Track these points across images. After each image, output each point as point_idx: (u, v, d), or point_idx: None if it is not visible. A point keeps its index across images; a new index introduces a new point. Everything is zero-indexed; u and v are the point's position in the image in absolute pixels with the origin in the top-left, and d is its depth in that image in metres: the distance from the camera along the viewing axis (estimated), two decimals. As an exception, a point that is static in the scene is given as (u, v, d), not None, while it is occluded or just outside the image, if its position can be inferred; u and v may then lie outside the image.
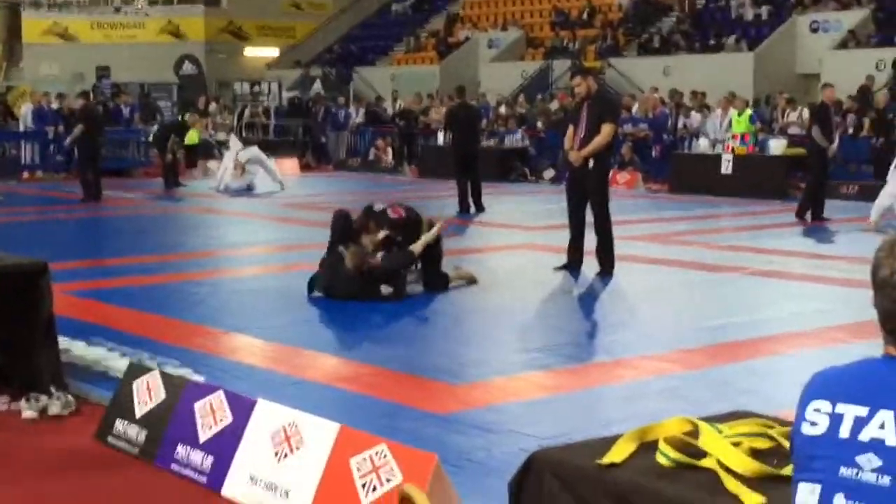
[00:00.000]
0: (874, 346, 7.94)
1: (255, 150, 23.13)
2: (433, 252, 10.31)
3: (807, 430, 2.27)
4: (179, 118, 26.49)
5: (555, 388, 6.93)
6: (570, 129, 11.51)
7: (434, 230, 10.24)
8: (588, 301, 10.47)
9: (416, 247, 10.02)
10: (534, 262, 12.43)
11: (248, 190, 22.08)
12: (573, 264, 11.45)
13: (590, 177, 11.21)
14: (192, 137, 25.66)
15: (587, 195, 11.32)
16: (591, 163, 11.13)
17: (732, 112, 21.76)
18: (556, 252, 11.97)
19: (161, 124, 27.32)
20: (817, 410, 2.27)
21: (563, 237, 11.80)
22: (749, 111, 21.68)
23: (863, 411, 2.23)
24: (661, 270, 11.78)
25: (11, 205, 19.18)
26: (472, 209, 17.87)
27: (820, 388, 2.31)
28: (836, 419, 2.24)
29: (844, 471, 2.20)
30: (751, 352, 8.00)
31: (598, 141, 11.05)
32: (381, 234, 10.06)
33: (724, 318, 9.14)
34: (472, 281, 10.61)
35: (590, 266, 11.37)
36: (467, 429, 5.94)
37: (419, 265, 10.33)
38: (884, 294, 2.29)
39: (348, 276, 9.61)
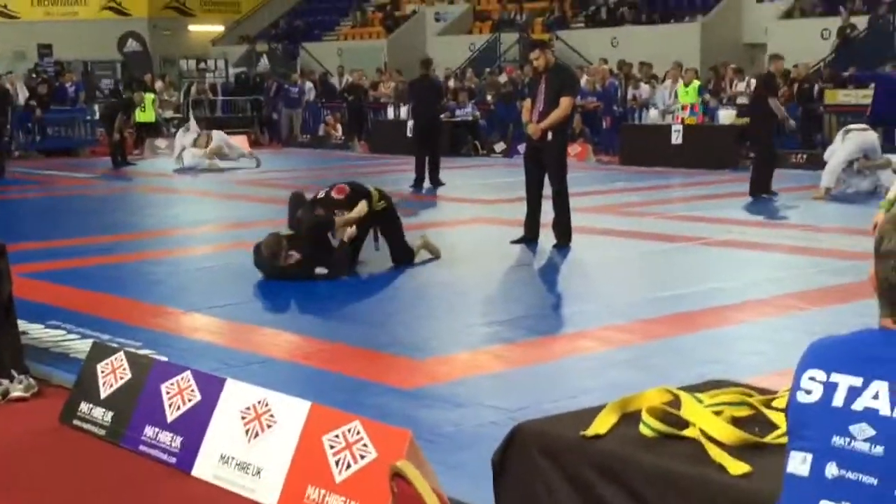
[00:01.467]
0: (828, 313, 8.04)
1: (220, 135, 22.83)
2: (390, 227, 10.27)
3: (801, 398, 2.28)
4: (125, 96, 26.14)
5: (520, 361, 6.93)
6: (528, 101, 11.52)
7: (356, 210, 9.92)
8: (547, 274, 10.51)
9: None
10: (490, 236, 12.44)
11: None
12: (530, 237, 11.48)
13: (548, 149, 11.23)
14: (147, 115, 25.38)
15: (545, 168, 11.33)
16: (549, 135, 11.15)
17: (679, 83, 21.91)
18: (512, 225, 11.98)
19: (107, 102, 26.99)
20: (812, 379, 2.28)
21: (518, 210, 11.83)
22: (697, 83, 21.82)
23: (857, 381, 2.23)
24: (616, 242, 11.84)
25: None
26: (427, 184, 17.83)
27: (815, 357, 2.32)
28: (829, 388, 2.25)
29: (837, 440, 2.21)
30: (709, 320, 8.06)
31: (557, 114, 11.06)
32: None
33: (681, 287, 9.20)
34: (436, 253, 10.59)
35: (547, 239, 11.40)
36: (435, 403, 5.93)
37: (378, 238, 10.26)
38: (885, 265, 2.30)
39: (267, 262, 9.56)
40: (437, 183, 17.88)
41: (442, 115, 25.06)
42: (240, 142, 26.94)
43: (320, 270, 9.65)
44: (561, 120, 11.18)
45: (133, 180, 20.46)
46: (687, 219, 13.48)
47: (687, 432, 2.98)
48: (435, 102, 18.84)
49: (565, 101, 11.13)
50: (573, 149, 22.33)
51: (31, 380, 6.24)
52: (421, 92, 18.72)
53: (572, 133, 22.77)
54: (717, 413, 3.05)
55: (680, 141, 20.55)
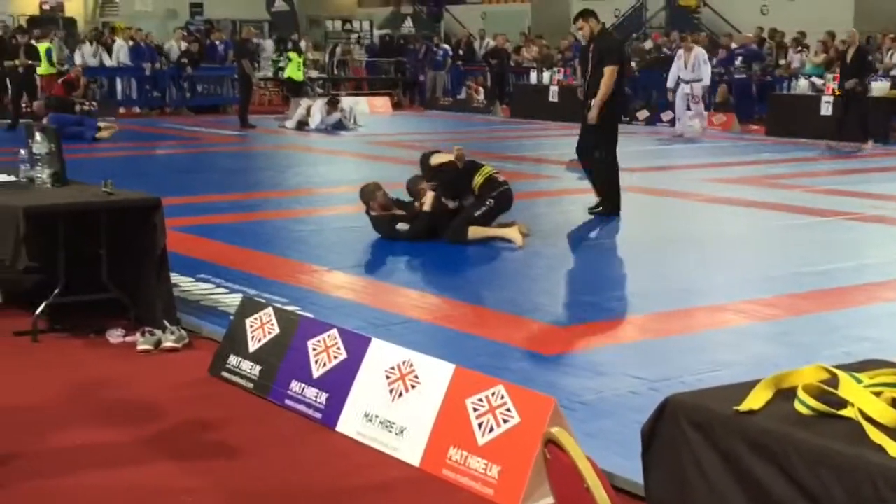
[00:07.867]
0: None
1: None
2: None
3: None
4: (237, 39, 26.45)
5: (660, 332, 6.87)
6: (579, 71, 11.28)
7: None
8: (684, 245, 10.35)
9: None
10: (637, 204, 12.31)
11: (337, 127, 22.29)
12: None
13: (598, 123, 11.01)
14: (296, 73, 25.78)
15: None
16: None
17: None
18: (655, 195, 11.83)
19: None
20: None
21: (657, 179, 11.67)
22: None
23: None
24: (760, 214, 11.60)
25: (111, 140, 19.45)
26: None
27: None
28: None
29: None
30: (858, 297, 7.85)
31: (603, 90, 10.85)
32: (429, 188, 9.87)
33: (828, 263, 8.99)
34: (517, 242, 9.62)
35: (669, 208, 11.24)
36: (576, 370, 5.93)
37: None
38: None
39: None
40: None
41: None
42: (382, 103, 27.28)
43: (402, 226, 9.74)
44: (608, 92, 10.87)
45: (275, 138, 20.81)
46: (835, 192, 13.13)
47: (844, 412, 2.92)
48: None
49: (607, 71, 10.88)
50: (718, 118, 22.00)
51: (182, 331, 6.43)
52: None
53: (717, 103, 22.43)
54: (877, 394, 2.97)
55: (830, 112, 19.97)
